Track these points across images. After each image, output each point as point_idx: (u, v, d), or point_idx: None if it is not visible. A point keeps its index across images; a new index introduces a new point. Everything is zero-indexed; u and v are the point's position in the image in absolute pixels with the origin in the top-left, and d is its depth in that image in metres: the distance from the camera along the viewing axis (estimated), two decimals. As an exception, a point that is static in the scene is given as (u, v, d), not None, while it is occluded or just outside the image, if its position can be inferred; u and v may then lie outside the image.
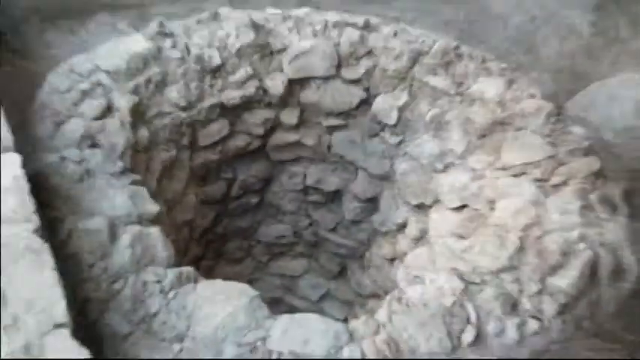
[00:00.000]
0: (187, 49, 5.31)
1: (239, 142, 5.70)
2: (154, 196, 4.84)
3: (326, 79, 5.58)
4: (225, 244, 6.32)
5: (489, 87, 5.31)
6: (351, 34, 5.54)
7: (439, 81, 5.41)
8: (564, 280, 4.38)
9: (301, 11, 5.69)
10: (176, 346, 3.95)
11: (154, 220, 4.55)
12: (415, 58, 5.47)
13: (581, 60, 5.83)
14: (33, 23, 5.73)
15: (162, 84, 5.22)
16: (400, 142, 5.59)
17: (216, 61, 5.34)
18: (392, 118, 5.52)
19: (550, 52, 6.06)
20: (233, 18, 5.51)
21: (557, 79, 5.96)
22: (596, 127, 5.56)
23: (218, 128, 5.55)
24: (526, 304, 4.29)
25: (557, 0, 5.91)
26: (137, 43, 5.25)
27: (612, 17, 5.57)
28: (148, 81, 5.16)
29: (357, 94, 5.58)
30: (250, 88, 5.49)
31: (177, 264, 4.39)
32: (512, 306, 4.27)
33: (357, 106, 5.62)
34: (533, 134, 5.05)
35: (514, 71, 5.57)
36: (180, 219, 5.52)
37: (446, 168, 5.32)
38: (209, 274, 5.09)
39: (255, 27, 5.47)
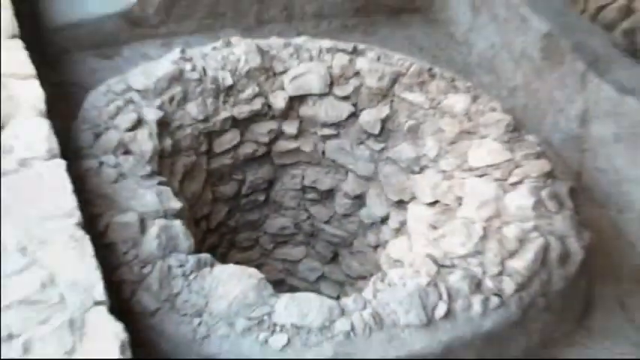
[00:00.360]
0: (204, 72, 5.31)
1: (248, 149, 5.70)
2: (177, 194, 4.85)
3: (320, 96, 5.58)
4: (237, 235, 6.31)
5: (457, 102, 5.31)
6: (342, 59, 5.55)
7: (415, 97, 5.42)
8: (520, 263, 4.39)
9: (300, 39, 5.70)
10: (196, 320, 3.95)
11: (177, 215, 4.55)
12: (395, 79, 5.47)
13: (533, 79, 5.85)
14: (77, 52, 5.75)
15: (183, 101, 5.22)
16: (383, 149, 5.59)
17: (229, 81, 5.35)
18: (376, 129, 5.53)
19: (507, 73, 6.07)
20: (243, 45, 5.52)
21: (514, 96, 5.97)
22: (547, 136, 5.58)
23: (230, 138, 5.55)
24: (489, 283, 4.30)
25: (512, 30, 5.92)
26: (163, 66, 5.26)
27: (558, 44, 5.59)
28: (172, 98, 5.16)
29: (346, 108, 5.58)
30: (257, 104, 5.49)
31: (197, 251, 4.40)
32: (477, 285, 4.28)
33: (347, 119, 5.62)
34: (494, 141, 5.05)
35: (477, 89, 5.59)
36: (199, 214, 5.53)
37: (421, 170, 5.33)
38: (223, 259, 5.09)
39: (261, 53, 5.47)
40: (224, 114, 5.41)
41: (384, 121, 5.52)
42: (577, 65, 5.39)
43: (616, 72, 5.31)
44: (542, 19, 5.69)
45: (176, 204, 4.60)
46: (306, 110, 5.64)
